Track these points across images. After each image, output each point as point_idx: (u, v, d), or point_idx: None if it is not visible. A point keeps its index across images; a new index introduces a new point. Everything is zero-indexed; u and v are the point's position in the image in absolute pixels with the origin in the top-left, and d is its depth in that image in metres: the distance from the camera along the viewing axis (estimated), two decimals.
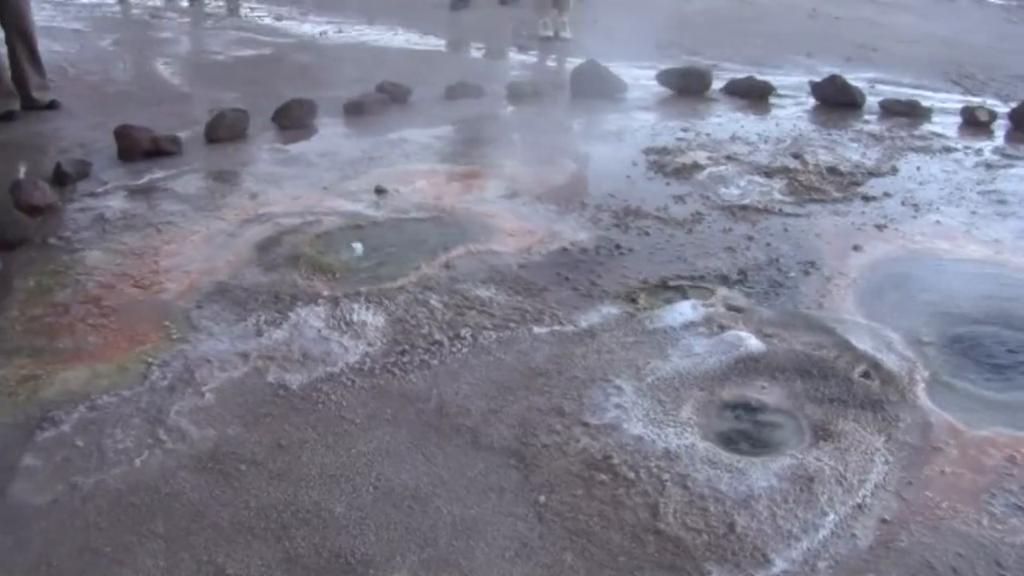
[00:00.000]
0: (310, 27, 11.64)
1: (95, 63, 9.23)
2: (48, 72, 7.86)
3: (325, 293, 4.46)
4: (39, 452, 3.36)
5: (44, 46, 7.73)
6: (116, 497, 3.14)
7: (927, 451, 3.41)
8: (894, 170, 6.50)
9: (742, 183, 6.13)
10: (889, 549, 2.94)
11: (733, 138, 7.13)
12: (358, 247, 4.91)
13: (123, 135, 6.46)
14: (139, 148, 6.41)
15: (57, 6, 11.75)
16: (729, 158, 6.62)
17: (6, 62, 7.37)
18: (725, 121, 7.67)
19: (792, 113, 8.05)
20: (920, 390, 3.79)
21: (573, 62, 9.48)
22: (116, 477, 3.23)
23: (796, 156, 6.67)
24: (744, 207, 5.68)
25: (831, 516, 3.05)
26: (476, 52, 10.71)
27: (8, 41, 7.36)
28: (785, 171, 6.35)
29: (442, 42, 11.10)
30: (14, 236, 5.01)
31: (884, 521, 3.05)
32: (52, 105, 7.64)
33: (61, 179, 5.89)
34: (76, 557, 2.89)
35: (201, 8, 11.17)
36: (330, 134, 7.14)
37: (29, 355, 3.98)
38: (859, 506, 3.11)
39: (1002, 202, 5.90)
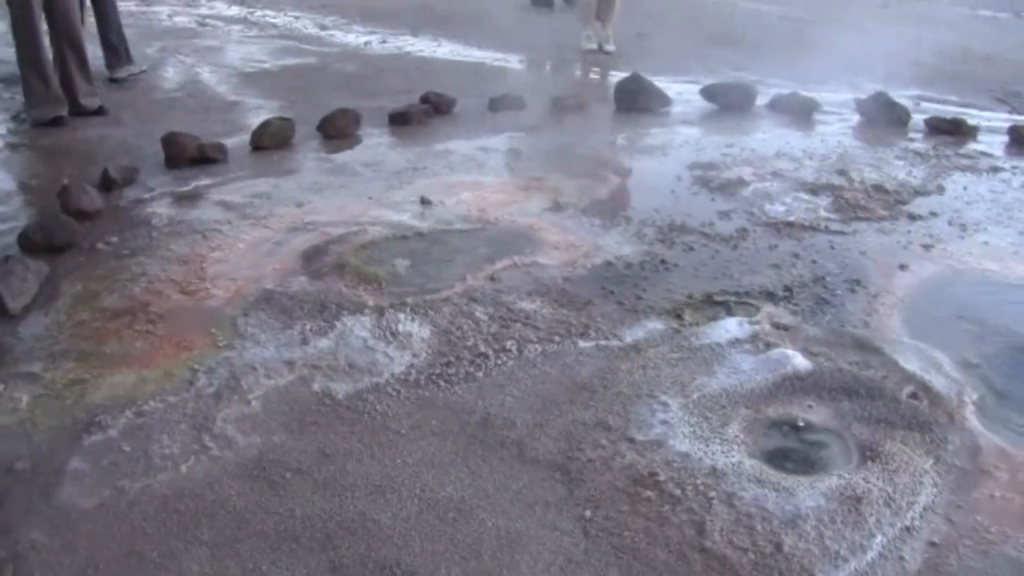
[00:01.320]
0: (354, 37, 11.67)
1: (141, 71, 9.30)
2: (96, 79, 7.92)
3: (371, 303, 4.47)
4: (86, 456, 3.38)
5: (91, 53, 7.79)
6: (162, 503, 3.15)
7: (976, 474, 3.38)
8: (940, 189, 6.45)
9: (787, 199, 6.10)
10: (938, 573, 2.91)
11: (778, 154, 7.10)
12: (402, 263, 4.90)
13: (170, 142, 6.50)
14: (185, 155, 6.45)
15: None
16: (774, 174, 6.59)
17: (55, 68, 7.42)
18: (770, 137, 7.64)
19: (837, 130, 8.01)
20: (969, 412, 3.74)
21: (617, 75, 9.49)
22: (162, 483, 3.25)
23: (841, 173, 6.63)
24: (789, 224, 5.65)
25: (879, 538, 3.02)
26: (520, 64, 10.70)
27: (58, 47, 7.43)
28: (831, 188, 6.31)
29: (486, 53, 11.09)
30: (62, 241, 5.05)
31: (933, 544, 3.02)
32: (99, 111, 7.70)
33: (108, 185, 5.93)
34: (122, 561, 2.90)
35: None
36: (375, 144, 7.16)
37: (76, 359, 4.00)
38: (907, 528, 3.08)
39: None
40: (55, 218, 5.20)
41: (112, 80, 8.99)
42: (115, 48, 9.04)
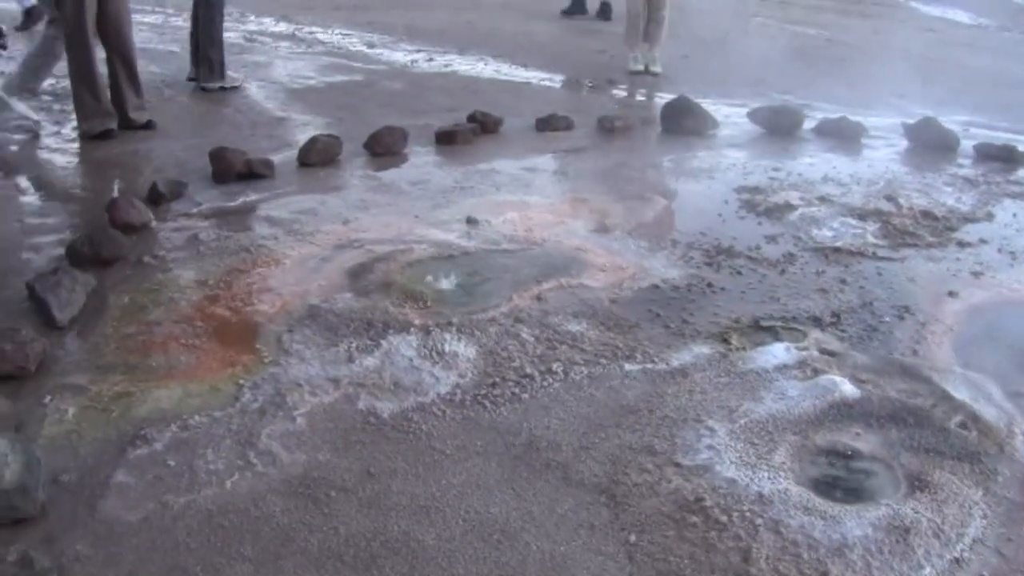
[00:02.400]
0: (401, 55, 11.71)
1: (190, 85, 9.36)
2: (145, 93, 7.98)
3: (417, 322, 4.47)
4: (131, 469, 3.39)
5: (141, 67, 7.86)
6: (206, 517, 3.16)
7: None
8: (990, 216, 6.39)
9: (835, 225, 6.06)
10: None
11: (825, 179, 7.06)
12: (448, 282, 4.90)
13: (218, 157, 6.53)
14: (233, 170, 6.48)
15: (154, 28, 11.95)
16: (821, 199, 6.55)
17: (106, 81, 7.49)
18: (817, 161, 7.59)
19: (884, 155, 7.95)
20: (1020, 443, 3.70)
21: (663, 97, 9.48)
22: (207, 498, 3.25)
23: (889, 199, 6.58)
24: (837, 249, 5.61)
25: (927, 569, 2.98)
26: (566, 84, 10.70)
27: (108, 61, 7.50)
28: (878, 214, 6.26)
29: (531, 73, 11.11)
30: (109, 254, 5.08)
31: None
32: (148, 125, 7.76)
33: (156, 198, 5.97)
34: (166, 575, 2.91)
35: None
36: (421, 162, 7.17)
37: (123, 372, 4.03)
38: (956, 560, 3.04)
39: None
40: (103, 231, 5.24)
41: (203, 88, 9.35)
42: (210, 62, 9.34)
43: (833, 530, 3.12)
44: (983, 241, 5.87)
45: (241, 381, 3.96)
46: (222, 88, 9.41)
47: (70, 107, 7.65)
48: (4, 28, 7.42)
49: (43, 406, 3.77)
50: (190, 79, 9.56)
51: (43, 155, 7.08)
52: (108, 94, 7.50)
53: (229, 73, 9.51)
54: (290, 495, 3.28)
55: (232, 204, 6.04)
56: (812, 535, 3.10)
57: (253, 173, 6.51)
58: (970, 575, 2.98)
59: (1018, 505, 3.34)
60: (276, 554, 3.00)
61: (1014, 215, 6.44)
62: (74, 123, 7.58)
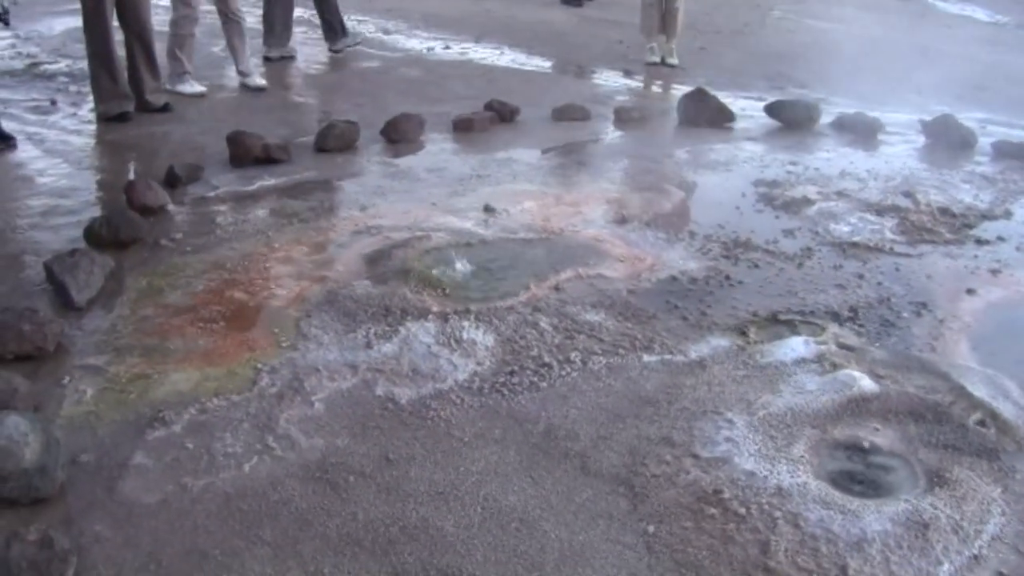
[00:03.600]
0: (417, 42, 11.70)
1: (208, 69, 9.33)
2: (162, 76, 7.99)
3: (435, 309, 4.47)
4: (150, 451, 3.41)
5: (158, 50, 7.85)
6: (225, 501, 3.17)
7: None
8: (1008, 214, 6.37)
9: (852, 220, 6.04)
10: None
11: (842, 174, 7.04)
12: (467, 270, 4.90)
13: (235, 141, 6.54)
14: (250, 154, 6.49)
15: (169, 11, 11.94)
16: (839, 194, 6.53)
17: (124, 64, 7.50)
18: (834, 156, 7.57)
19: (902, 151, 7.92)
20: None
21: (679, 89, 9.47)
22: (225, 481, 3.27)
23: (907, 195, 6.55)
24: (855, 244, 5.60)
25: (946, 566, 2.98)
26: (583, 74, 10.69)
27: (127, 43, 7.50)
28: (896, 210, 6.24)
29: (548, 62, 11.10)
30: (127, 236, 5.09)
31: (1001, 574, 2.97)
32: (165, 108, 7.77)
33: (173, 181, 5.99)
34: (184, 558, 2.92)
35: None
36: (438, 150, 7.17)
37: (140, 354, 4.04)
38: (975, 557, 3.03)
39: None
40: (121, 213, 5.25)
41: (332, 51, 10.52)
42: (330, 23, 10.48)
43: (852, 524, 3.11)
44: (1001, 239, 5.84)
45: (259, 365, 3.96)
46: (347, 47, 10.57)
47: (87, 88, 7.66)
48: (7, 3, 7.40)
49: (61, 387, 3.78)
50: (266, 58, 10.12)
51: (60, 136, 7.08)
52: (126, 76, 7.49)
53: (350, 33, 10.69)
54: (308, 480, 3.28)
55: (249, 188, 6.05)
56: (831, 529, 3.09)
57: (270, 158, 6.52)
58: (989, 572, 2.98)
59: None
60: (295, 538, 3.01)
61: None
62: (91, 104, 7.58)
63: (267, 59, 10.10)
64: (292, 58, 10.35)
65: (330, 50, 10.59)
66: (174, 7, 8.32)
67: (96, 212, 5.52)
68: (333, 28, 10.54)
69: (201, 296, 4.56)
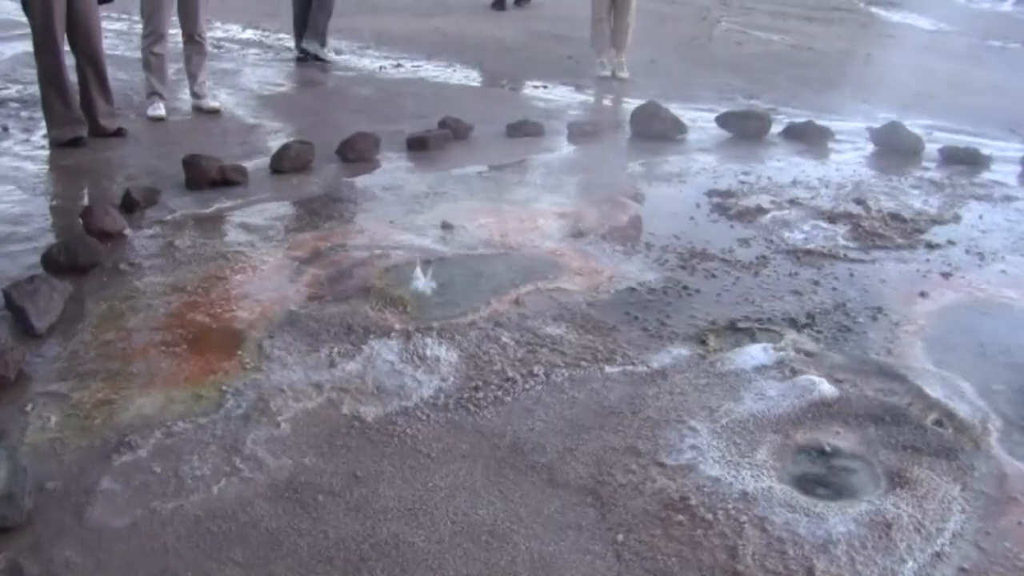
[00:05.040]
0: (369, 61, 11.71)
1: None
2: (115, 100, 7.95)
3: (397, 326, 4.49)
4: (117, 476, 3.39)
5: (109, 74, 7.81)
6: (194, 523, 3.16)
7: (1004, 501, 3.40)
8: (957, 218, 6.50)
9: (806, 227, 6.13)
10: None
11: (794, 182, 7.14)
12: (427, 287, 4.92)
13: (191, 164, 6.52)
14: (207, 177, 6.47)
15: (121, 35, 11.88)
16: (792, 202, 6.62)
17: (76, 89, 7.46)
18: (786, 165, 7.68)
19: (852, 158, 8.05)
20: (994, 439, 3.78)
21: (631, 102, 9.53)
22: (194, 503, 3.26)
23: (858, 202, 6.66)
24: (809, 251, 5.68)
25: (910, 563, 3.04)
26: (535, 90, 10.74)
27: (78, 67, 7.46)
28: (848, 216, 6.34)
29: (500, 79, 11.15)
30: (86, 261, 5.06)
31: (963, 570, 3.04)
32: (119, 132, 7.71)
33: (130, 206, 5.95)
34: None
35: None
36: (394, 168, 7.19)
37: (104, 379, 4.02)
38: (937, 554, 3.10)
39: None
40: (79, 239, 5.22)
41: (302, 50, 11.24)
42: (316, 29, 11.17)
43: (817, 526, 3.17)
44: (951, 242, 5.96)
45: (224, 387, 3.96)
46: (316, 57, 11.19)
47: (39, 114, 7.60)
48: None
49: (25, 414, 3.75)
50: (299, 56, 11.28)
51: (13, 163, 7.03)
52: (78, 100, 7.45)
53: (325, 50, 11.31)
54: (277, 499, 3.29)
55: (207, 211, 6.03)
56: (797, 531, 3.15)
57: (227, 180, 6.50)
58: (951, 568, 3.04)
59: (995, 499, 3.40)
60: (266, 558, 3.01)
61: (980, 216, 6.54)
62: (44, 130, 7.53)
63: (302, 51, 11.19)
64: (326, 61, 11.29)
65: (297, 47, 11.35)
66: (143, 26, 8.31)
67: (53, 238, 5.48)
68: (316, 30, 11.21)
69: (163, 319, 4.54)
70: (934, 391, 4.09)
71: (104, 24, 7.83)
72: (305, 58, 11.27)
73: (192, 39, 8.56)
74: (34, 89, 7.71)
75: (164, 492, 3.31)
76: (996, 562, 3.09)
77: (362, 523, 3.18)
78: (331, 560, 3.01)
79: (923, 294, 5.14)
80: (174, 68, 9.01)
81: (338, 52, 11.92)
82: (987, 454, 3.68)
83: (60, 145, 7.32)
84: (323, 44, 11.36)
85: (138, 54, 8.58)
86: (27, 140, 7.59)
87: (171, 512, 3.22)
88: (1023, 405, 4.07)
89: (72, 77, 7.41)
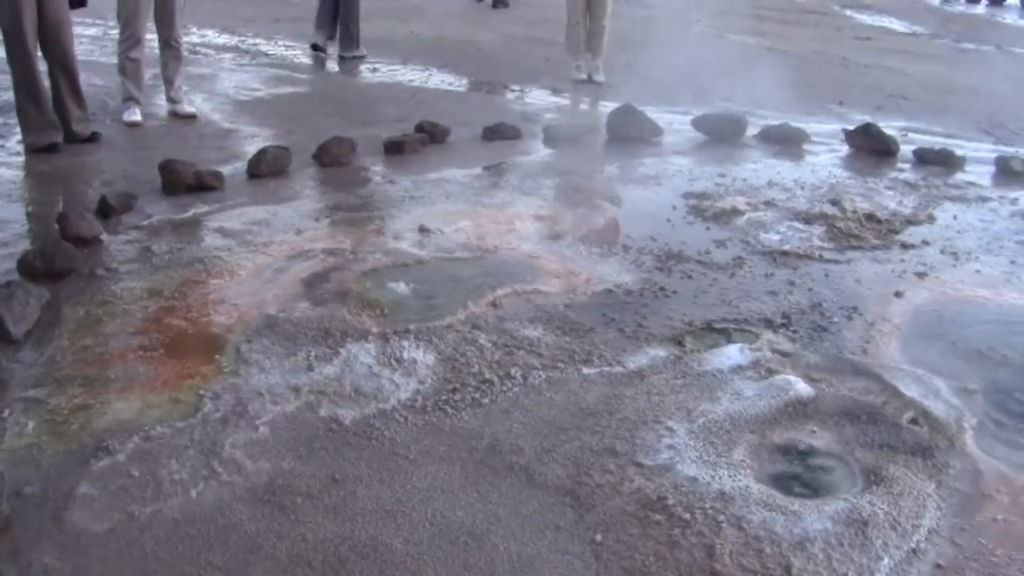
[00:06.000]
0: (347, 66, 11.73)
1: None
2: (89, 106, 7.93)
3: (374, 330, 4.49)
4: (95, 481, 3.38)
5: (85, 80, 7.80)
6: (173, 527, 3.16)
7: (979, 498, 3.43)
8: (931, 218, 6.54)
9: (782, 229, 6.16)
10: None
11: (770, 184, 7.18)
12: (404, 290, 4.93)
13: (167, 169, 6.51)
14: (183, 182, 6.46)
15: (95, 40, 11.85)
16: (767, 204, 6.66)
17: (49, 94, 7.43)
18: (761, 167, 7.72)
19: (827, 160, 8.10)
20: (969, 437, 3.81)
21: (607, 105, 9.57)
22: (173, 507, 3.25)
23: (834, 203, 6.70)
24: (785, 252, 5.71)
25: (886, 560, 3.06)
26: (511, 94, 10.76)
27: (50, 73, 7.43)
28: (824, 217, 6.38)
29: (476, 82, 11.17)
30: (62, 266, 5.05)
31: (939, 567, 3.06)
32: (93, 138, 7.69)
33: (106, 211, 5.94)
34: None
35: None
36: (370, 172, 7.19)
37: (81, 385, 4.00)
38: (914, 551, 3.12)
39: None
40: (55, 244, 5.21)
41: (341, 57, 12.08)
42: (348, 30, 12.05)
43: (794, 525, 3.19)
44: (926, 243, 6.00)
45: (201, 392, 3.95)
46: (355, 57, 12.07)
47: (14, 120, 7.57)
48: None
49: (2, 420, 3.74)
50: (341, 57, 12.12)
51: None
52: (51, 106, 7.43)
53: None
54: (256, 503, 3.29)
55: (183, 216, 6.02)
56: (774, 530, 3.16)
57: (203, 185, 6.49)
58: (927, 565, 3.06)
59: (969, 496, 3.43)
60: (245, 561, 3.01)
61: (954, 217, 6.59)
62: (19, 136, 7.51)
63: (342, 58, 12.07)
64: (363, 57, 12.18)
65: (339, 55, 12.11)
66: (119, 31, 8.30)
67: (29, 244, 5.47)
68: (349, 35, 12.05)
69: (140, 324, 4.53)
70: (909, 390, 4.12)
71: (79, 29, 7.84)
72: (322, 51, 12.18)
73: (168, 44, 8.54)
74: (8, 95, 7.69)
75: (142, 496, 3.30)
76: (971, 558, 3.11)
77: (340, 525, 3.18)
78: (310, 563, 3.00)
79: (898, 294, 5.17)
80: (150, 73, 8.97)
81: (314, 57, 11.93)
82: (962, 452, 3.70)
83: (35, 151, 7.30)
84: (357, 46, 12.19)
85: (113, 59, 8.56)
86: (2, 146, 7.56)
87: (149, 516, 3.21)
88: (998, 403, 4.10)
89: (45, 82, 7.38)
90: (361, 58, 12.14)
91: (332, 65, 11.79)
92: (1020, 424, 3.96)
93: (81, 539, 3.10)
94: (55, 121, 7.42)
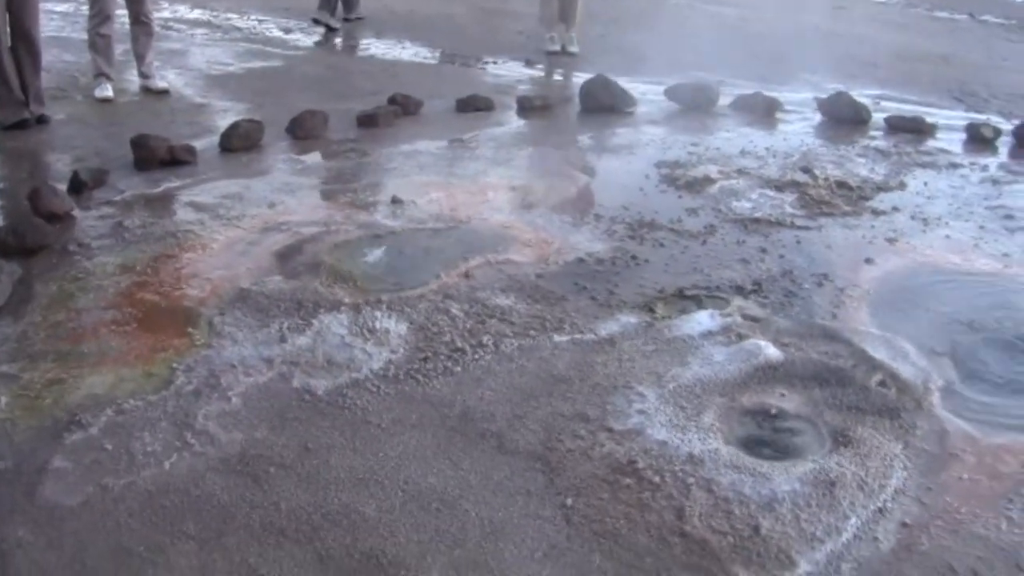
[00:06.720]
0: (318, 39, 11.69)
1: None
2: (60, 82, 7.89)
3: (347, 301, 4.51)
4: (68, 454, 3.39)
5: (55, 56, 7.77)
6: (147, 499, 3.17)
7: (944, 458, 3.48)
8: (902, 185, 6.58)
9: (753, 196, 6.19)
10: (911, 552, 2.99)
11: (743, 152, 7.20)
12: (377, 261, 4.94)
13: (139, 144, 6.48)
14: (155, 157, 6.44)
15: (66, 17, 11.77)
16: (740, 172, 6.69)
17: (14, 71, 7.36)
18: (734, 136, 7.74)
19: (799, 128, 8.13)
20: (935, 399, 3.86)
21: (580, 76, 9.56)
22: (146, 479, 3.26)
23: (805, 171, 6.72)
24: (756, 220, 5.74)
25: (853, 520, 3.10)
26: (484, 66, 10.75)
27: (13, 50, 7.32)
28: (795, 185, 6.41)
29: (450, 55, 11.14)
30: (34, 242, 5.04)
31: (905, 525, 3.11)
32: (42, 119, 7.56)
33: (78, 187, 5.91)
34: (109, 557, 2.92)
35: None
36: (343, 145, 7.17)
37: (53, 360, 4.00)
38: (880, 510, 3.16)
39: (1009, 217, 5.99)
40: (26, 220, 5.19)
41: (346, 19, 12.70)
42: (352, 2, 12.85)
43: (763, 486, 3.23)
44: (896, 209, 6.04)
45: (174, 364, 3.96)
46: (358, 18, 12.83)
47: None
48: None
49: None
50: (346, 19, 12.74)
51: None
52: (18, 83, 7.36)
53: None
54: (229, 473, 3.30)
55: (156, 191, 6.00)
56: (743, 492, 3.20)
57: (176, 159, 6.48)
58: (893, 523, 3.11)
59: (936, 456, 3.48)
60: (219, 531, 3.03)
61: (925, 184, 6.63)
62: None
63: (347, 20, 12.67)
64: (361, 19, 12.88)
65: (344, 18, 12.61)
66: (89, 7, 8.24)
67: (0, 221, 5.45)
68: (330, 5, 12.21)
69: (113, 299, 4.53)
70: (878, 353, 4.17)
71: (49, 5, 7.78)
72: (327, 27, 12.19)
73: (138, 20, 8.49)
74: None
75: (116, 469, 3.31)
76: (937, 516, 3.16)
77: (314, 494, 3.20)
78: (283, 531, 3.03)
79: (868, 260, 5.21)
80: (121, 49, 8.93)
81: (287, 31, 11.90)
82: (929, 413, 3.76)
83: (5, 128, 7.24)
84: (357, 6, 12.93)
85: (84, 36, 8.50)
86: None
87: (123, 488, 3.22)
88: (964, 365, 4.15)
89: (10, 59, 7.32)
90: (361, 19, 12.77)
91: (306, 39, 11.72)
92: (985, 386, 4.01)
93: (55, 512, 3.11)
94: (23, 98, 7.35)
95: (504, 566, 2.90)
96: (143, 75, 8.71)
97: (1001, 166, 7.22)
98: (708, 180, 6.46)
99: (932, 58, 12.36)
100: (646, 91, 9.10)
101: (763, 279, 4.91)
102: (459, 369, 3.97)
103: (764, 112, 8.55)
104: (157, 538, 3.00)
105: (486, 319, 4.38)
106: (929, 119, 8.29)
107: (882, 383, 3.92)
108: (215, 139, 7.00)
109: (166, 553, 2.94)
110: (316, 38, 11.77)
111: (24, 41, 7.34)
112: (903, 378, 3.97)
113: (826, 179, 6.54)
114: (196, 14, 12.73)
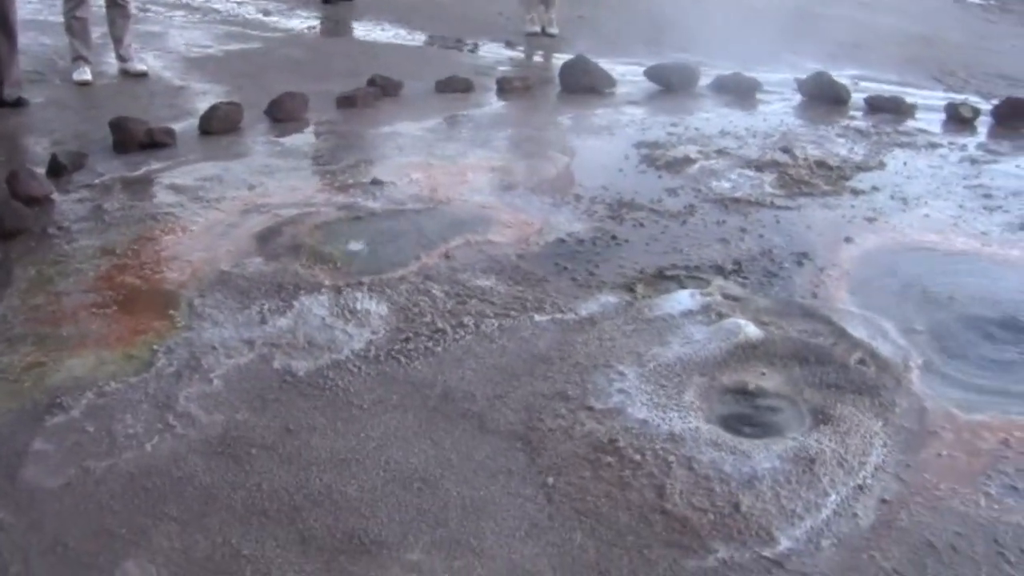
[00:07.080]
0: (298, 22, 11.64)
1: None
2: (38, 65, 7.84)
3: (327, 282, 4.50)
4: (49, 437, 3.38)
5: (32, 39, 7.71)
6: (129, 480, 3.17)
7: (924, 435, 3.50)
8: (881, 165, 6.61)
9: (733, 176, 6.21)
10: (890, 528, 3.01)
11: (722, 133, 7.21)
12: (357, 243, 4.94)
13: (119, 127, 6.46)
14: (135, 140, 6.42)
15: (43, 0, 11.71)
16: (719, 152, 6.70)
17: None
18: (714, 116, 7.75)
19: (779, 109, 8.15)
20: (914, 376, 3.88)
21: (560, 57, 9.57)
22: (128, 461, 3.27)
23: (785, 151, 6.74)
24: (736, 200, 5.76)
25: (833, 496, 3.12)
26: (464, 47, 10.73)
27: None
28: (775, 165, 6.43)
29: (429, 37, 11.12)
30: (12, 226, 5.02)
31: (884, 501, 3.13)
32: (19, 103, 7.51)
33: (57, 170, 5.89)
34: (91, 539, 2.92)
35: None
36: (323, 127, 7.18)
37: (33, 343, 4.00)
38: (860, 487, 3.19)
39: (988, 196, 6.01)
40: (5, 204, 5.16)
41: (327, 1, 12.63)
42: None
43: (743, 464, 3.24)
44: (875, 188, 6.06)
45: (155, 347, 3.96)
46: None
47: None
48: None
49: None
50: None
51: None
52: None
53: None
54: (211, 455, 3.30)
55: (135, 174, 5.99)
56: (723, 469, 3.21)
57: (155, 142, 6.46)
58: (872, 499, 3.13)
59: (915, 434, 3.50)
60: (201, 512, 3.03)
61: (904, 163, 6.66)
62: None
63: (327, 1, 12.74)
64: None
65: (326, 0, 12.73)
66: None
67: None
68: None
69: (93, 282, 4.52)
70: (857, 331, 4.19)
71: None
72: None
73: (115, 2, 8.42)
74: None
75: (97, 451, 3.32)
76: (916, 492, 3.18)
77: (295, 475, 3.20)
78: (265, 512, 3.03)
79: (848, 239, 5.23)
80: (99, 32, 8.87)
81: (267, 13, 11.87)
82: (908, 390, 3.78)
83: None
84: None
85: (61, 19, 8.45)
86: None
87: (105, 470, 3.22)
88: (943, 343, 4.17)
89: None
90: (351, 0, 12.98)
91: (285, 21, 11.68)
92: (964, 363, 4.03)
93: (36, 495, 3.11)
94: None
95: (486, 544, 2.91)
96: (121, 58, 8.66)
97: (979, 146, 7.24)
98: (688, 160, 6.47)
99: (911, 38, 12.38)
100: (626, 72, 9.11)
101: (743, 259, 4.93)
102: (440, 350, 3.97)
103: (744, 92, 8.57)
104: (139, 520, 3.00)
105: (467, 299, 4.39)
106: (908, 99, 8.30)
107: (861, 361, 3.94)
108: (194, 122, 6.98)
109: (148, 535, 2.94)
110: (296, 20, 11.71)
111: (1, 26, 7.28)
112: (882, 356, 3.99)
113: (806, 159, 6.56)
114: None
